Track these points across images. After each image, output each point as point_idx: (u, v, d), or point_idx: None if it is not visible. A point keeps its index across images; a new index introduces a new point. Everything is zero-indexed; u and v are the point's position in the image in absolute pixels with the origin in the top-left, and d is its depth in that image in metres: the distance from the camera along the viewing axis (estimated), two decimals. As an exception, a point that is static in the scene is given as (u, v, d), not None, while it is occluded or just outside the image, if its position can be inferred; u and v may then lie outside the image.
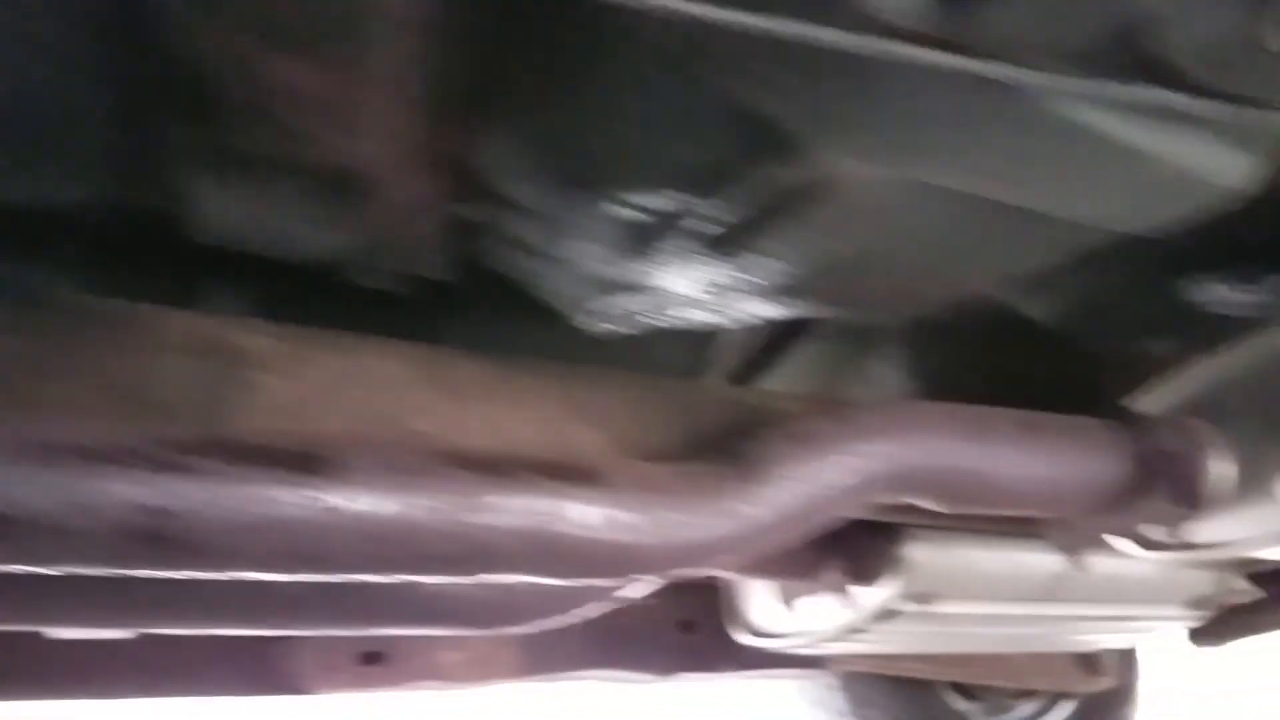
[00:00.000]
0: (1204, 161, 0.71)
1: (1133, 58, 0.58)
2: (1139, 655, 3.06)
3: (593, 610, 1.25)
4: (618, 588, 1.22)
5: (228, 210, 0.89)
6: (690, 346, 1.39)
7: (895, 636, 1.74)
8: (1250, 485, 1.13)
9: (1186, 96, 0.60)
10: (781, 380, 1.64)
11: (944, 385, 1.65)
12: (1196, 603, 1.90)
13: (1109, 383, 1.54)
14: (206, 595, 0.96)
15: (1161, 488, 1.09)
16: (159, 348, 0.93)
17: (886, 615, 1.58)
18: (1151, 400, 1.23)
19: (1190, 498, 1.09)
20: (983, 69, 0.57)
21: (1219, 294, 1.30)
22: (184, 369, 0.93)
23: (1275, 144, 0.72)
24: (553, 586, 1.17)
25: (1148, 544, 1.19)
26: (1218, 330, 1.30)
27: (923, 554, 1.57)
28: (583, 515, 0.86)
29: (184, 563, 0.70)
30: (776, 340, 1.56)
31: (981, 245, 0.87)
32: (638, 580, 1.05)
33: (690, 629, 2.18)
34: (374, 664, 1.85)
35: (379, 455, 0.80)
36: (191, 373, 0.94)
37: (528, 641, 2.05)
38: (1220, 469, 1.11)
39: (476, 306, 1.26)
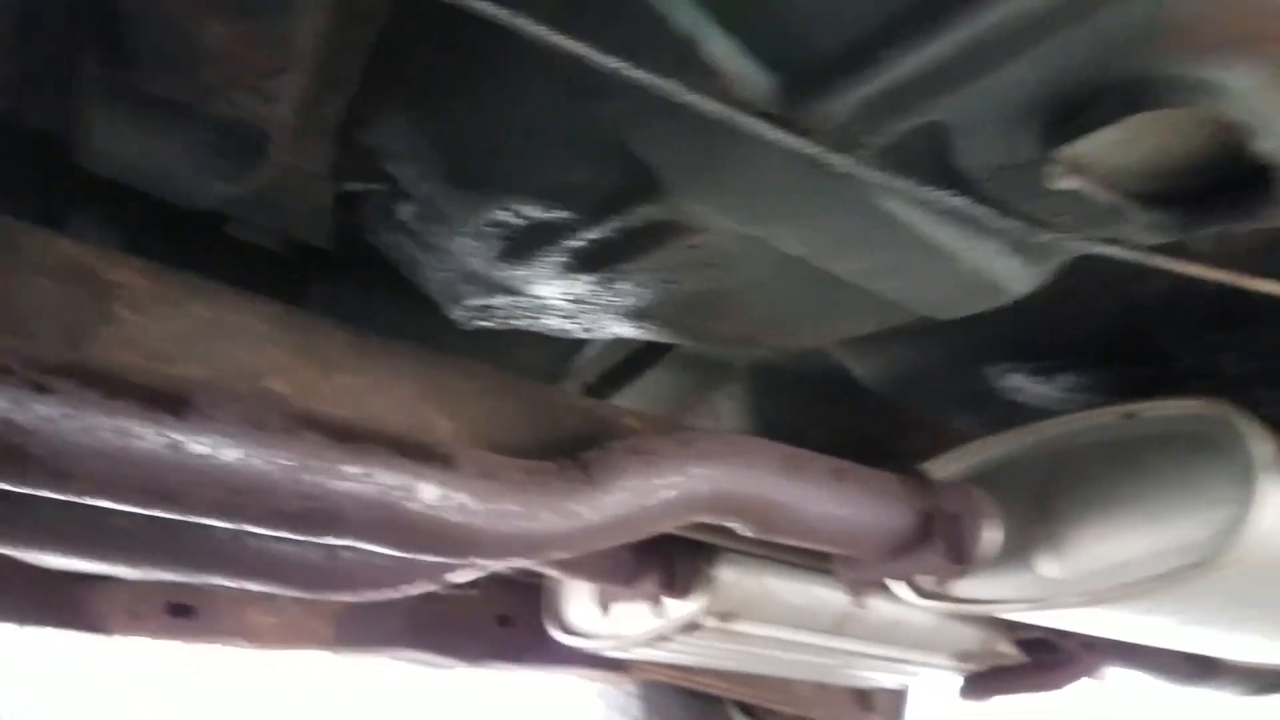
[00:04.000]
0: (996, 266, 0.84)
1: (940, 165, 0.70)
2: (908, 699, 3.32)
3: (416, 589, 1.30)
4: (450, 569, 1.28)
5: (125, 145, 0.91)
6: (554, 353, 1.46)
7: (695, 649, 1.86)
8: (1013, 554, 1.29)
9: (981, 206, 0.71)
10: (633, 399, 1.74)
11: (778, 426, 1.79)
12: (963, 656, 2.11)
13: (918, 446, 1.71)
14: (39, 518, 0.97)
15: (939, 543, 1.24)
16: (28, 267, 0.93)
17: (691, 628, 1.70)
18: (942, 465, 1.39)
19: (961, 555, 1.24)
20: (815, 152, 0.66)
21: (1018, 383, 1.49)
22: (49, 292, 0.94)
23: (1059, 259, 0.86)
24: (381, 559, 1.23)
25: (922, 592, 1.35)
26: (1014, 415, 1.48)
27: (731, 575, 1.70)
28: (430, 495, 0.92)
29: (38, 481, 0.72)
30: (633, 361, 1.66)
31: (812, 306, 0.99)
32: (473, 563, 1.11)
33: (507, 623, 2.24)
34: (182, 616, 1.83)
35: (241, 408, 0.84)
36: (57, 297, 0.94)
37: (342, 614, 2.06)
38: (991, 535, 1.27)
39: (349, 278, 1.30)
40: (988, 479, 1.33)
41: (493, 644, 2.21)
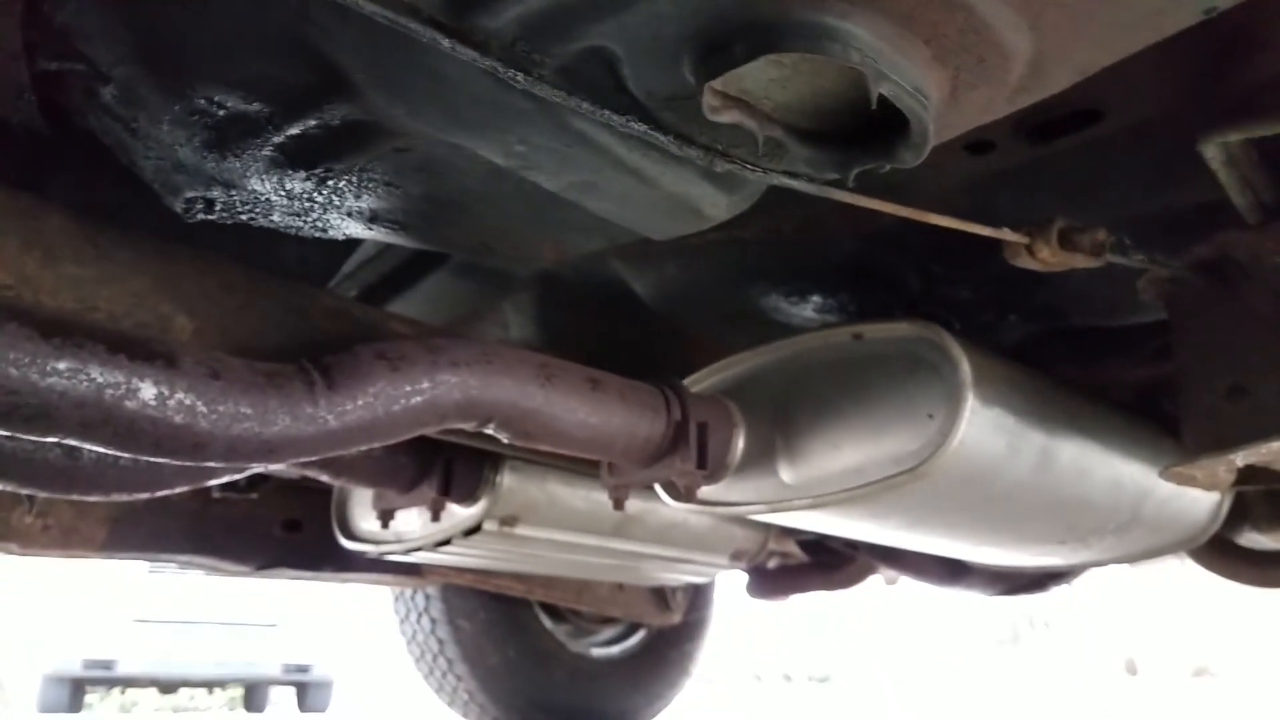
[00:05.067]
0: (692, 192, 0.88)
1: (617, 91, 0.72)
2: (712, 597, 3.53)
3: (170, 492, 1.28)
4: (209, 473, 1.26)
5: None
6: (322, 253, 1.43)
7: (481, 553, 1.91)
8: (756, 461, 1.39)
9: (661, 133, 0.74)
10: (415, 305, 1.73)
11: (565, 338, 1.83)
12: (738, 555, 2.26)
13: (701, 361, 1.79)
14: None
15: (689, 451, 1.32)
16: None
17: (471, 532, 1.75)
18: (700, 379, 1.46)
19: (708, 462, 1.33)
20: (489, 65, 0.66)
21: (776, 303, 1.58)
22: None
23: (753, 188, 0.91)
24: (127, 460, 1.19)
25: (675, 495, 1.43)
26: (776, 333, 1.57)
27: (513, 481, 1.75)
28: (149, 394, 0.90)
29: None
30: (412, 266, 1.64)
31: (535, 219, 1.00)
32: (208, 466, 1.10)
33: (295, 528, 2.22)
34: (-66, 519, 1.72)
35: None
36: None
37: (116, 518, 1.99)
38: (736, 443, 1.36)
39: (101, 170, 1.22)
40: (738, 392, 1.41)
41: (280, 550, 2.19)
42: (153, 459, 1.04)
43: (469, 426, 1.19)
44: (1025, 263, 1.00)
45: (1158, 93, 0.98)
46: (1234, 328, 1.07)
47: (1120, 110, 1.00)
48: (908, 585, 3.07)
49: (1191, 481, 1.15)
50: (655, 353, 1.89)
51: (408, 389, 1.09)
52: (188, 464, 1.03)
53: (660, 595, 3.08)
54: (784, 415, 1.37)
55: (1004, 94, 0.73)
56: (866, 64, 0.63)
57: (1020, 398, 1.27)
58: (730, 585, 3.29)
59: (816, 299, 1.49)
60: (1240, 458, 1.04)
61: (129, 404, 0.89)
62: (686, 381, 1.51)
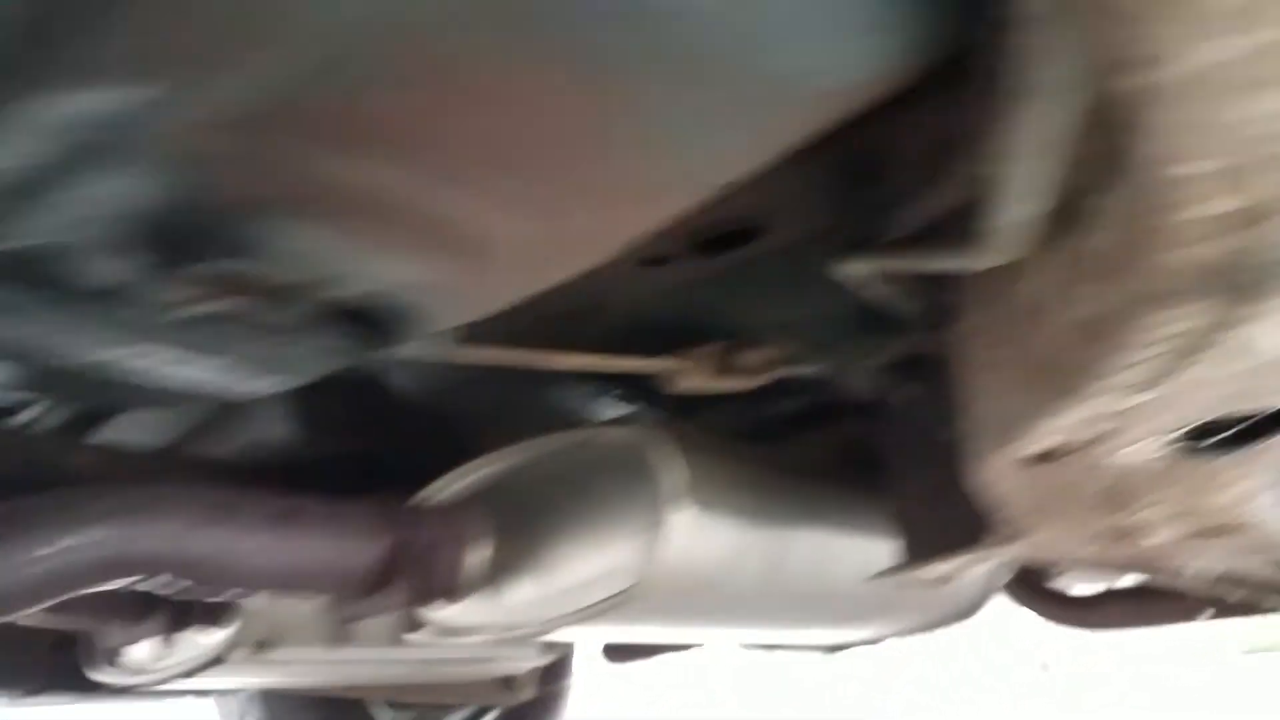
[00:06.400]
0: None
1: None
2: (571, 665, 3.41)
3: None
4: None
5: None
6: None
7: (246, 677, 1.75)
8: (499, 575, 1.28)
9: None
10: (155, 410, 1.57)
11: (327, 432, 1.70)
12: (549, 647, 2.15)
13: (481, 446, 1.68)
14: None
15: (411, 577, 1.21)
16: None
17: (216, 662, 1.59)
18: (446, 483, 1.35)
19: (434, 588, 1.22)
20: None
21: (559, 396, 1.49)
22: None
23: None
24: None
25: (411, 625, 1.32)
26: (557, 423, 1.48)
27: (262, 603, 1.60)
28: None
29: None
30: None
31: None
32: None
33: (65, 647, 2.01)
34: None
35: None
36: None
37: None
38: (474, 560, 1.25)
39: None
40: (488, 497, 1.31)
41: (49, 673, 1.97)
42: None
43: (135, 583, 1.06)
44: (688, 388, 0.93)
45: (806, 216, 0.95)
46: (934, 425, 1.03)
47: (777, 230, 0.96)
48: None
49: (916, 583, 1.10)
50: (433, 441, 1.78)
51: (37, 554, 0.96)
52: None
53: (504, 676, 2.94)
54: (528, 523, 1.28)
55: (520, 279, 0.67)
56: (318, 274, 0.56)
57: (748, 497, 1.21)
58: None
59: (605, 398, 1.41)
60: (945, 567, 0.99)
61: None
62: (432, 488, 1.40)
